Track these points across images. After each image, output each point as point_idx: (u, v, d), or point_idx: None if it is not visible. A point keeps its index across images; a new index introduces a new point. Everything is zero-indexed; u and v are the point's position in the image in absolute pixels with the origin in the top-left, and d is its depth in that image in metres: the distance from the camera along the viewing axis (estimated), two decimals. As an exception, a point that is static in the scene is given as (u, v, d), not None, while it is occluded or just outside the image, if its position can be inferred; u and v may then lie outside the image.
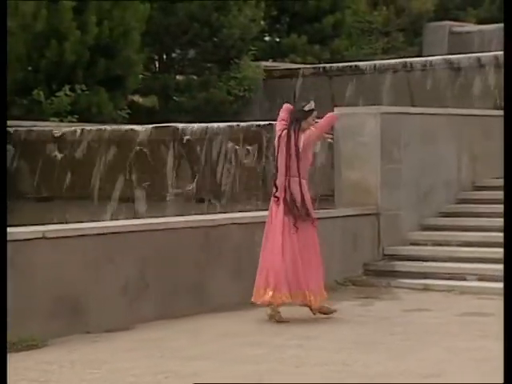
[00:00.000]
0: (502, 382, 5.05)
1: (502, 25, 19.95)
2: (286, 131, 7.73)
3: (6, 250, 6.03)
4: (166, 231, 8.07)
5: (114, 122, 14.36)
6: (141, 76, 15.77)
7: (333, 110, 10.41)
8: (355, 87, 15.54)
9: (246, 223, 8.80)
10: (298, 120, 7.73)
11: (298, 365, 6.16)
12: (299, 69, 16.71)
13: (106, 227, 7.81)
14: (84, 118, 14.01)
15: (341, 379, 5.76)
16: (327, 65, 16.79)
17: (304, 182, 7.75)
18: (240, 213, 9.61)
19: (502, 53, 15.39)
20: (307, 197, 7.73)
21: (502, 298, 8.56)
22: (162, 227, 8.08)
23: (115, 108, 14.79)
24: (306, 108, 7.80)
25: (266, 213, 8.13)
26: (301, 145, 7.66)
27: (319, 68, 16.58)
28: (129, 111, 15.18)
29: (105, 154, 11.76)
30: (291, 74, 16.66)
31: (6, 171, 6.66)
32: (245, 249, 8.74)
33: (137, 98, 16.75)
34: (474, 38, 19.82)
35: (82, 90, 14.26)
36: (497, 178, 11.31)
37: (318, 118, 7.99)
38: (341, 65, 16.40)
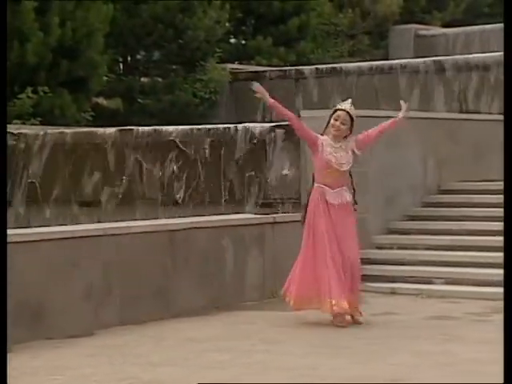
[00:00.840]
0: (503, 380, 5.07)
1: (466, 28, 20.21)
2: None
3: (5, 250, 6.01)
4: (130, 235, 8.00)
5: (78, 124, 14.24)
6: (105, 78, 15.65)
7: (299, 113, 10.42)
8: (321, 90, 15.56)
9: (212, 227, 8.74)
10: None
11: (264, 370, 6.13)
12: (265, 71, 16.72)
13: (69, 231, 7.72)
14: (47, 121, 13.85)
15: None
16: (293, 67, 16.81)
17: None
18: (206, 217, 9.53)
19: (466, 56, 15.52)
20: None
21: (466, 301, 8.67)
22: (126, 231, 8.01)
23: (79, 110, 14.66)
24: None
25: (231, 216, 8.07)
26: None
27: (285, 71, 16.59)
28: (93, 114, 15.06)
29: (67, 156, 11.64)
30: (257, 76, 16.63)
31: (5, 171, 6.65)
32: (211, 253, 8.69)
33: (101, 101, 16.63)
34: (440, 41, 19.99)
35: (45, 92, 14.10)
36: (462, 182, 11.37)
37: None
38: (307, 67, 16.43)
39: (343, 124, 7.57)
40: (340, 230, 7.57)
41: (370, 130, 7.82)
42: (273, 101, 7.63)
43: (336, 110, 7.60)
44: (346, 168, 7.64)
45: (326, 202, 7.58)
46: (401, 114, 7.96)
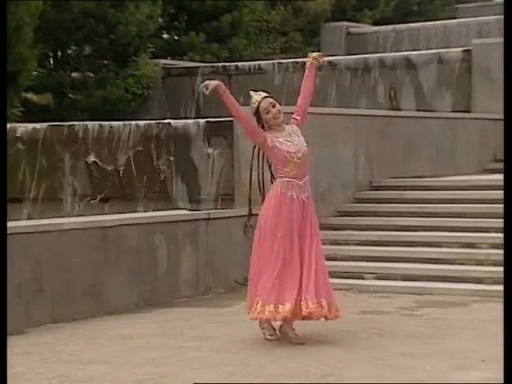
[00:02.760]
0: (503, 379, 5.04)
1: (396, 26, 20.46)
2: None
3: (5, 248, 5.95)
4: (61, 232, 7.91)
5: (7, 119, 13.98)
6: (34, 73, 15.41)
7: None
8: (255, 86, 15.53)
9: (144, 223, 8.69)
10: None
11: (196, 366, 6.11)
12: (198, 67, 16.67)
13: (-2, 228, 7.59)
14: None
15: (238, 380, 5.73)
16: (226, 63, 16.80)
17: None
18: (138, 213, 9.49)
19: (396, 53, 15.70)
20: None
21: (398, 296, 8.78)
22: (56, 228, 7.93)
23: (8, 106, 14.40)
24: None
25: (164, 213, 8.04)
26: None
27: (218, 67, 16.58)
28: (22, 109, 14.82)
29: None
30: (190, 72, 16.59)
31: (6, 171, 6.56)
32: (144, 250, 8.64)
33: (30, 96, 16.37)
34: (371, 38, 20.18)
35: (-28, 87, 13.83)
36: (393, 178, 11.51)
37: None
38: (240, 64, 16.44)
39: (274, 106, 6.84)
40: (309, 228, 6.89)
41: (298, 101, 7.06)
42: (226, 94, 6.90)
43: (259, 104, 6.82)
44: (306, 151, 6.93)
45: (293, 197, 6.85)
46: (311, 64, 7.17)
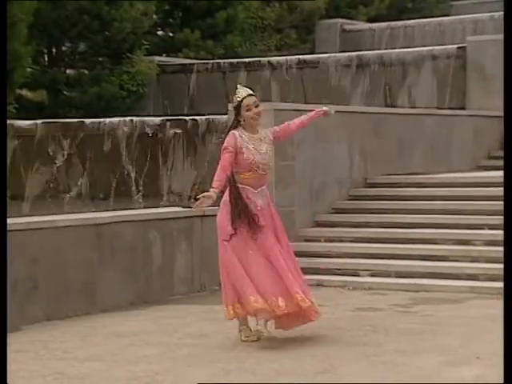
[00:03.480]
0: (503, 380, 5.04)
1: (391, 23, 20.50)
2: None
3: (5, 246, 5.95)
4: (55, 229, 7.91)
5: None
6: (29, 70, 15.40)
7: (227, 107, 10.43)
8: (249, 83, 15.57)
9: (139, 220, 8.68)
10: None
11: (190, 364, 6.12)
12: (193, 64, 16.67)
13: (-8, 225, 7.59)
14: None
15: (233, 378, 5.73)
16: (221, 60, 16.80)
17: None
18: (133, 210, 9.48)
19: (391, 50, 15.73)
20: None
21: (392, 293, 8.79)
22: (50, 225, 7.92)
23: (2, 102, 14.39)
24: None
25: (158, 210, 8.03)
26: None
27: (213, 64, 16.58)
28: (16, 106, 14.82)
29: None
30: (185, 69, 16.60)
31: (5, 171, 6.55)
32: (138, 247, 8.64)
33: (25, 93, 16.36)
34: (365, 35, 20.20)
35: (-33, 84, 13.83)
36: (387, 175, 11.52)
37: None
38: (234, 61, 16.45)
39: (257, 106, 6.66)
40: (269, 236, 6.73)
41: (290, 123, 7.00)
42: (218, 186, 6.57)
43: (243, 99, 6.64)
44: (269, 165, 6.75)
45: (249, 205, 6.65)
46: (321, 110, 7.24)
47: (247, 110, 6.64)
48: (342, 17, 21.35)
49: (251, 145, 6.64)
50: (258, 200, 6.69)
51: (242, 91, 6.73)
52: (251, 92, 6.74)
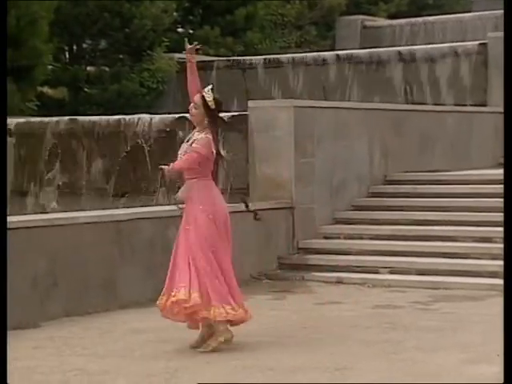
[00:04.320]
0: (503, 379, 5.04)
1: (411, 19, 20.44)
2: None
3: (5, 245, 5.97)
4: (76, 226, 7.94)
5: (22, 113, 14.08)
6: (50, 67, 15.50)
7: (247, 103, 10.45)
8: (269, 80, 15.61)
9: (158, 217, 8.70)
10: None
11: (209, 360, 6.14)
12: (213, 61, 16.69)
13: (14, 222, 7.60)
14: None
15: (249, 374, 5.75)
16: (241, 57, 16.81)
17: None
18: (152, 207, 9.50)
19: (412, 47, 15.68)
20: None
21: (412, 290, 8.77)
22: (71, 222, 7.96)
23: (23, 100, 14.51)
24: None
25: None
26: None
27: (233, 61, 16.59)
28: (37, 103, 14.91)
29: (14, 147, 11.55)
30: (205, 66, 16.58)
31: (5, 171, 6.59)
32: (158, 243, 8.65)
33: (46, 90, 16.45)
34: (385, 32, 20.16)
35: (-12, 81, 13.93)
36: (407, 172, 11.49)
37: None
38: (254, 58, 16.45)
39: (195, 108, 6.68)
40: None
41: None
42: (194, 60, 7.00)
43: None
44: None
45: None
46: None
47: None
48: (363, 13, 21.33)
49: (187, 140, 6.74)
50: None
51: (206, 89, 6.81)
52: (203, 92, 6.74)
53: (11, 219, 8.00)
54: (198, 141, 6.60)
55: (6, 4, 8.15)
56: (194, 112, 6.69)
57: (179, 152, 6.70)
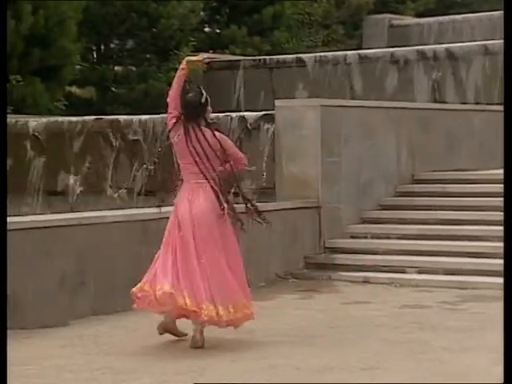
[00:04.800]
0: (502, 379, 5.03)
1: (439, 18, 20.35)
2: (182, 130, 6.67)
3: (5, 245, 6.00)
4: (103, 225, 7.98)
5: (51, 113, 14.20)
6: (78, 67, 15.62)
7: (273, 103, 10.46)
8: (296, 80, 15.62)
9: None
10: (198, 116, 6.71)
11: (237, 359, 6.16)
12: (240, 61, 16.73)
13: (42, 221, 7.70)
14: (19, 110, 13.81)
15: (279, 372, 5.77)
16: (268, 57, 16.83)
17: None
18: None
19: (440, 46, 15.63)
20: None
21: (439, 290, 8.75)
22: (99, 221, 8.00)
23: (51, 99, 14.63)
24: (203, 100, 6.82)
25: None
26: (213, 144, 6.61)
27: (260, 60, 16.62)
28: (65, 103, 15.03)
29: (42, 146, 11.64)
30: (232, 65, 16.66)
31: (5, 170, 6.62)
32: (184, 242, 8.67)
33: (74, 90, 16.58)
34: (413, 31, 20.10)
35: (17, 81, 14.07)
36: (435, 171, 11.46)
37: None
38: (281, 57, 16.47)
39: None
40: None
41: None
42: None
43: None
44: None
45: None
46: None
47: None
48: (390, 12, 21.28)
49: None
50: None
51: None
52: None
53: (43, 218, 8.11)
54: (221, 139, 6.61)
55: (6, 4, 8.16)
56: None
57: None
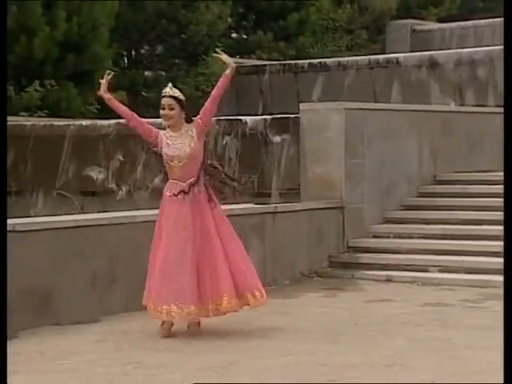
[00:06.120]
0: (502, 379, 5.08)
1: (461, 23, 20.32)
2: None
3: (5, 246, 6.02)
4: (133, 225, 8.06)
5: (83, 116, 14.41)
6: (109, 71, 15.79)
7: (298, 107, 10.60)
8: (320, 84, 15.70)
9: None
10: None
11: (263, 355, 6.21)
12: (266, 65, 16.85)
13: (74, 220, 7.83)
14: (53, 113, 14.06)
15: (305, 368, 5.83)
16: (293, 61, 16.95)
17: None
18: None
19: (461, 50, 15.67)
20: None
21: (461, 289, 8.80)
22: (130, 221, 8.08)
23: (84, 103, 14.85)
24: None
25: (231, 206, 8.15)
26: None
27: (285, 65, 16.73)
28: (98, 106, 15.23)
29: (74, 148, 11.82)
30: (258, 70, 16.78)
31: (5, 171, 6.67)
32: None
33: (106, 94, 16.75)
34: (435, 35, 20.06)
35: (52, 86, 14.32)
36: (457, 172, 11.52)
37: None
38: (306, 61, 16.57)
39: (171, 109, 6.81)
40: (198, 225, 6.79)
41: (206, 103, 6.96)
42: (109, 96, 7.18)
43: (161, 98, 6.88)
44: (188, 155, 6.80)
45: (178, 197, 6.80)
46: (228, 69, 7.23)
47: (161, 109, 6.87)
48: (413, 17, 21.24)
49: (169, 141, 6.86)
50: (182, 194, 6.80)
51: (167, 89, 6.90)
52: (175, 94, 6.86)
53: (75, 218, 8.26)
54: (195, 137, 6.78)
55: (6, 4, 8.26)
56: (172, 113, 6.82)
57: (168, 157, 6.80)
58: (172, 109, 6.81)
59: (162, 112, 6.84)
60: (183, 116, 6.86)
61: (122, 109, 7.06)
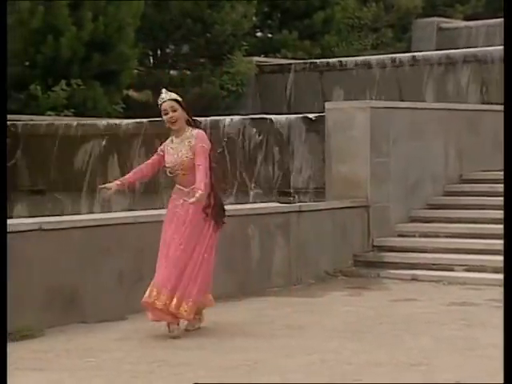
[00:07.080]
0: (501, 380, 5.09)
1: (487, 21, 20.22)
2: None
3: (5, 245, 6.06)
4: (158, 223, 7.97)
5: (109, 116, 14.51)
6: (135, 71, 15.95)
7: (323, 105, 10.60)
8: (345, 82, 15.70)
9: (238, 215, 8.84)
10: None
11: (288, 354, 6.22)
12: (291, 64, 16.87)
13: (101, 219, 7.90)
14: (80, 113, 14.18)
15: (330, 367, 5.85)
16: (318, 60, 16.95)
17: None
18: (233, 205, 9.70)
19: (488, 48, 15.61)
20: None
21: (487, 288, 8.76)
22: (154, 219, 8.04)
23: (110, 102, 14.96)
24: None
25: (257, 205, 8.16)
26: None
27: (310, 63, 16.74)
28: (123, 105, 15.34)
29: (99, 147, 11.89)
30: (283, 69, 16.81)
31: (5, 169, 6.71)
32: (237, 240, 8.83)
33: (131, 93, 16.88)
34: (462, 33, 19.98)
35: (78, 85, 14.44)
36: (483, 171, 11.48)
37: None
38: (331, 60, 16.58)
39: (174, 110, 6.81)
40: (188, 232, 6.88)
41: (199, 162, 6.75)
42: (120, 183, 7.08)
43: (162, 103, 6.88)
44: (185, 163, 6.79)
45: (178, 204, 6.89)
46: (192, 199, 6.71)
47: (164, 114, 6.84)
48: (439, 15, 21.15)
49: (172, 147, 6.90)
50: (183, 197, 6.83)
51: (164, 95, 6.90)
52: (173, 97, 6.89)
53: (102, 216, 8.32)
54: (198, 143, 6.77)
55: (6, 4, 8.28)
56: (176, 114, 6.82)
57: (170, 163, 6.86)
58: (175, 110, 6.83)
59: (165, 117, 6.83)
60: (185, 116, 6.89)
61: (138, 175, 7.15)
